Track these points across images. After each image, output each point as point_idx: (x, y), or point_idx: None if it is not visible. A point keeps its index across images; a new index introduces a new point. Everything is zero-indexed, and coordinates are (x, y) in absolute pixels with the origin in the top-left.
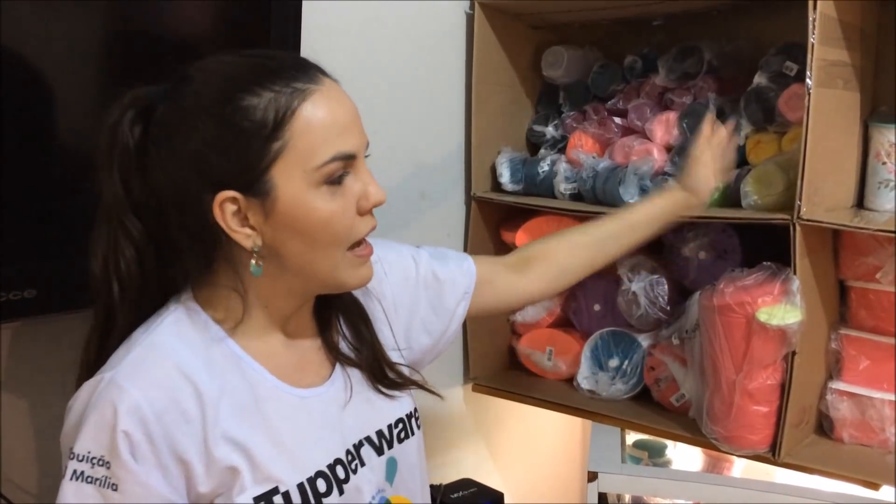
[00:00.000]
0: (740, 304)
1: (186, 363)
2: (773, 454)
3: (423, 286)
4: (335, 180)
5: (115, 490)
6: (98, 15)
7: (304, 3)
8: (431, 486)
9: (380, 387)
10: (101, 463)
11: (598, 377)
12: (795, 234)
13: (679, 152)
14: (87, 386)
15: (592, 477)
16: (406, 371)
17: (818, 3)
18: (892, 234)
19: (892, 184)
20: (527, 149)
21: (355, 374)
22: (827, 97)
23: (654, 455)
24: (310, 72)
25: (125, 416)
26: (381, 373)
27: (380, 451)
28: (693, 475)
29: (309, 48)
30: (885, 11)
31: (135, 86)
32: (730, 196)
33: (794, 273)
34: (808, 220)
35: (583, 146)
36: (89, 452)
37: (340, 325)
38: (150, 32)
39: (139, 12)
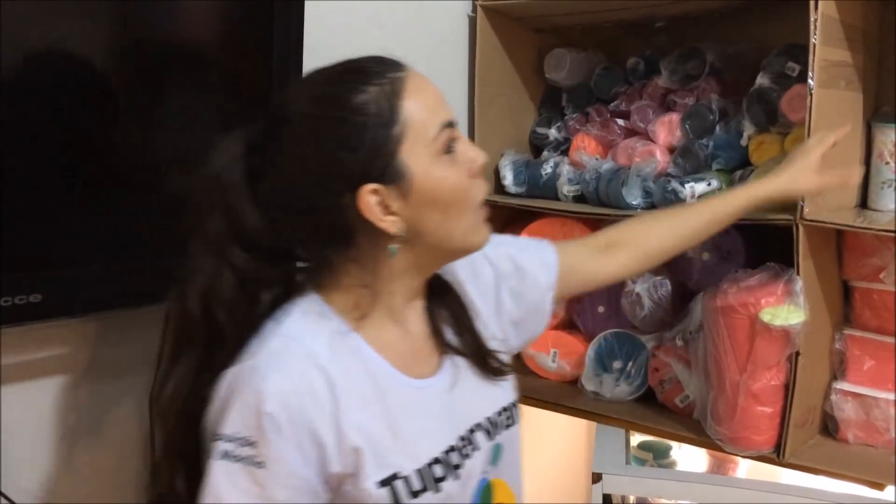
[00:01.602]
0: (744, 305)
1: (317, 353)
2: (777, 455)
3: (505, 279)
4: (449, 149)
5: (261, 467)
6: (99, 16)
7: (305, 5)
8: None
9: (486, 373)
10: (246, 443)
11: (602, 379)
12: (799, 234)
13: (682, 153)
14: (229, 374)
15: (597, 478)
16: (505, 358)
17: (819, 3)
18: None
19: (895, 184)
20: (530, 151)
21: (461, 363)
22: (829, 98)
23: (658, 456)
24: (392, 63)
25: (269, 399)
26: (484, 360)
27: (490, 437)
28: (698, 476)
29: (311, 51)
30: (887, 11)
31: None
32: None
33: (798, 273)
34: (811, 221)
35: (586, 148)
36: (237, 433)
37: (443, 313)
38: (152, 32)
39: (140, 12)
